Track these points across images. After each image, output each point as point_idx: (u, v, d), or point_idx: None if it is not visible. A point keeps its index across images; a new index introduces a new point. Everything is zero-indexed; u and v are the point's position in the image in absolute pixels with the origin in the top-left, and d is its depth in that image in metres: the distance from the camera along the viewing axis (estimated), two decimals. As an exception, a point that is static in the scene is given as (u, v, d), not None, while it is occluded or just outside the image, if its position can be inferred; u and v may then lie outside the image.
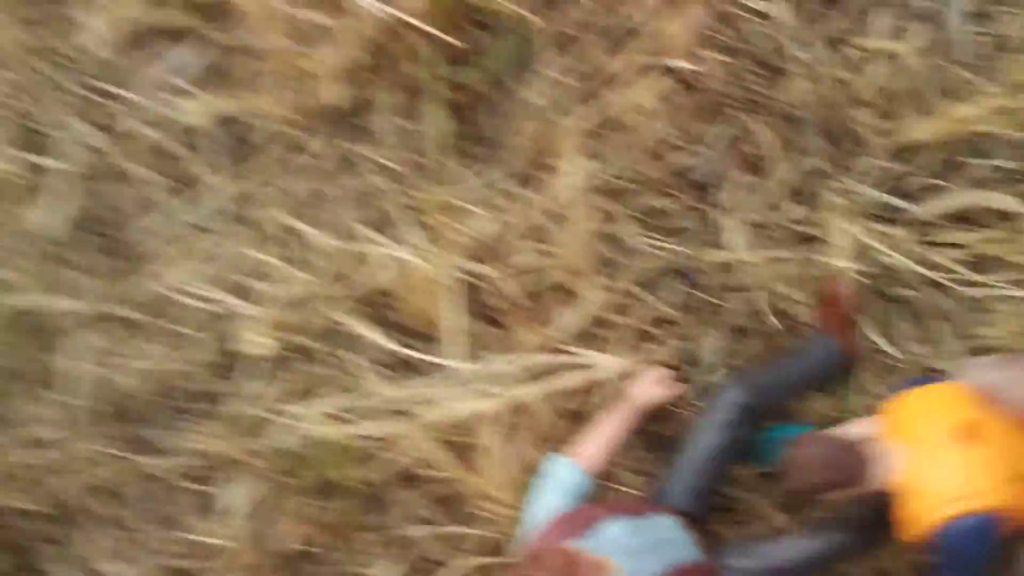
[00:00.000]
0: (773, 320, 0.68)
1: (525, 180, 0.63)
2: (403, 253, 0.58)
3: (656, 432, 0.65)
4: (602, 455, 0.58)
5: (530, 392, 0.59)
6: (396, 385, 0.58)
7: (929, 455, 0.50)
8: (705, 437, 0.60)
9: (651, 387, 0.61)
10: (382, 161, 0.59)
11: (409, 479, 0.61)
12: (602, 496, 0.62)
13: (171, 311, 0.61)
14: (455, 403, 0.57)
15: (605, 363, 0.60)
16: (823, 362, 0.63)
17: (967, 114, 0.69)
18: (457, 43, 0.54)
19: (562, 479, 0.56)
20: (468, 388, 0.58)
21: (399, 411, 0.58)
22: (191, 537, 0.58)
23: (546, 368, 0.60)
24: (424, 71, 0.53)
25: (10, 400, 0.62)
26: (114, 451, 0.59)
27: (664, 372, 0.62)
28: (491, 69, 0.60)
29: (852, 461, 0.52)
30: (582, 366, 0.60)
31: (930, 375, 0.63)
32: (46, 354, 0.62)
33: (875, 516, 0.56)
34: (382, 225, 0.61)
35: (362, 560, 0.60)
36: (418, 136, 0.59)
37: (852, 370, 0.65)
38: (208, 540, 0.58)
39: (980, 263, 0.71)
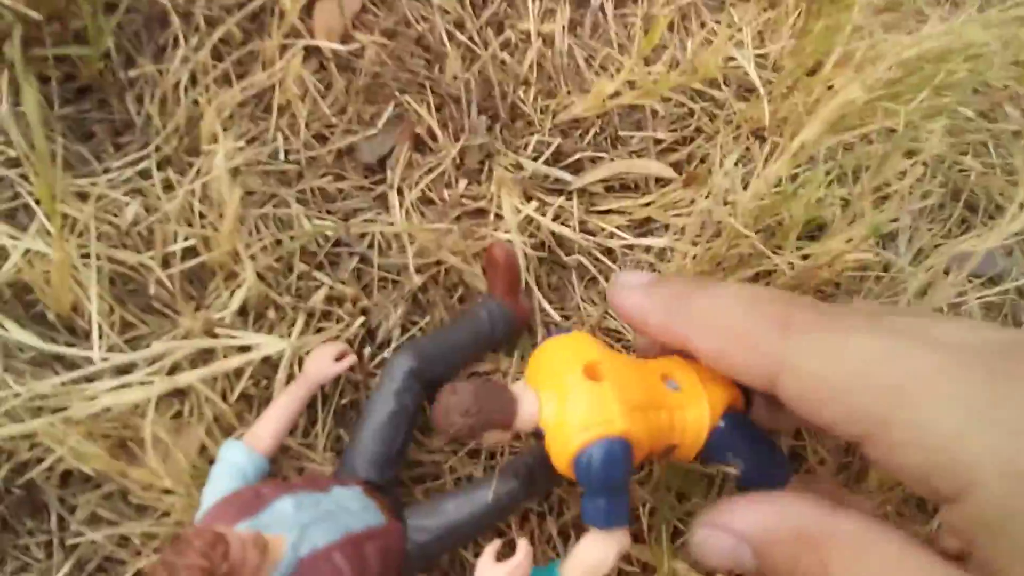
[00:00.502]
0: (448, 291, 0.70)
1: (173, 163, 0.62)
2: (35, 244, 0.55)
3: (346, 407, 0.66)
4: (275, 434, 0.58)
5: (191, 377, 0.58)
6: (40, 381, 0.55)
7: (564, 394, 0.54)
8: (379, 406, 0.60)
9: (323, 362, 0.61)
10: (3, 149, 0.57)
11: (69, 480, 0.58)
12: (284, 476, 0.62)
13: None
14: (109, 394, 0.56)
15: (267, 343, 0.60)
16: (489, 324, 0.65)
17: (615, 89, 0.75)
18: (38, 16, 0.52)
19: (233, 462, 0.55)
20: (124, 378, 0.57)
21: (47, 407, 0.55)
22: None
23: (206, 352, 0.59)
24: (15, 50, 0.50)
25: None
26: None
27: (336, 346, 0.63)
28: (118, 47, 0.58)
29: (499, 402, 0.54)
30: (244, 347, 0.60)
31: (565, 327, 0.68)
32: None
33: (541, 461, 0.59)
34: (13, 216, 0.58)
35: (24, 569, 0.57)
36: (51, 121, 0.56)
37: (522, 329, 0.69)
38: None
39: (640, 226, 0.77)
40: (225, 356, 0.60)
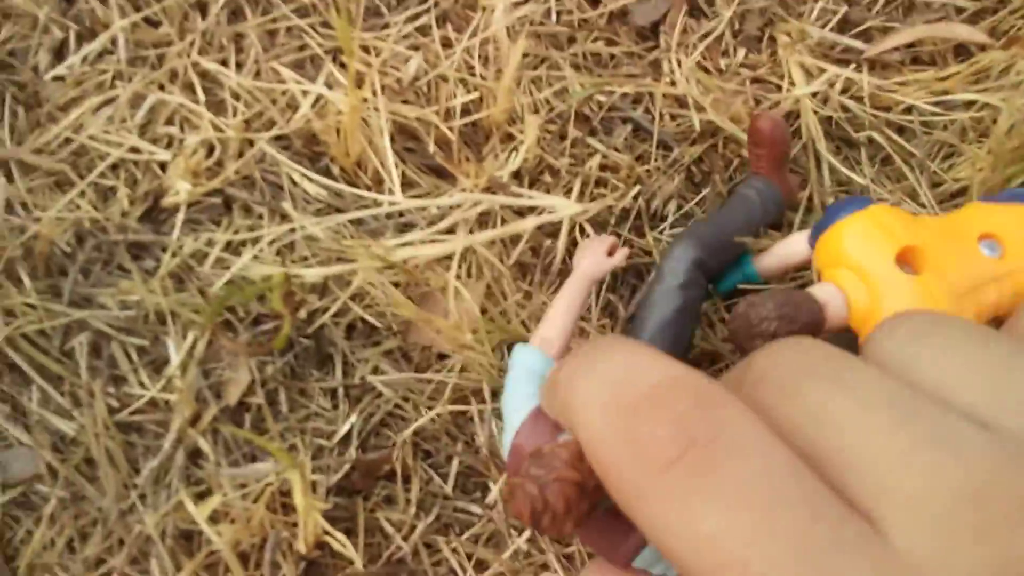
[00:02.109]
0: (725, 165, 0.66)
1: (451, 19, 0.60)
2: (325, 93, 0.55)
3: (615, 279, 0.62)
4: (564, 335, 0.54)
5: (483, 236, 0.56)
6: (333, 230, 0.55)
7: (878, 292, 0.47)
8: (664, 301, 0.56)
9: (597, 257, 0.57)
10: None
11: (353, 334, 0.58)
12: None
13: (87, 160, 0.57)
14: (403, 246, 0.55)
15: (559, 205, 0.57)
16: (760, 205, 0.59)
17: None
18: None
19: (528, 367, 0.52)
20: (413, 233, 0.56)
21: (340, 257, 0.55)
22: (134, 391, 0.55)
23: (484, 213, 0.57)
24: None
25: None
26: (45, 304, 0.54)
27: (607, 240, 0.58)
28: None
29: (803, 312, 0.48)
30: (535, 208, 0.57)
31: (857, 201, 0.60)
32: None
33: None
34: (302, 66, 0.58)
35: (317, 412, 0.57)
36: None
37: (792, 209, 0.63)
38: (151, 394, 0.54)
39: (937, 102, 0.69)
40: (504, 220, 0.58)
